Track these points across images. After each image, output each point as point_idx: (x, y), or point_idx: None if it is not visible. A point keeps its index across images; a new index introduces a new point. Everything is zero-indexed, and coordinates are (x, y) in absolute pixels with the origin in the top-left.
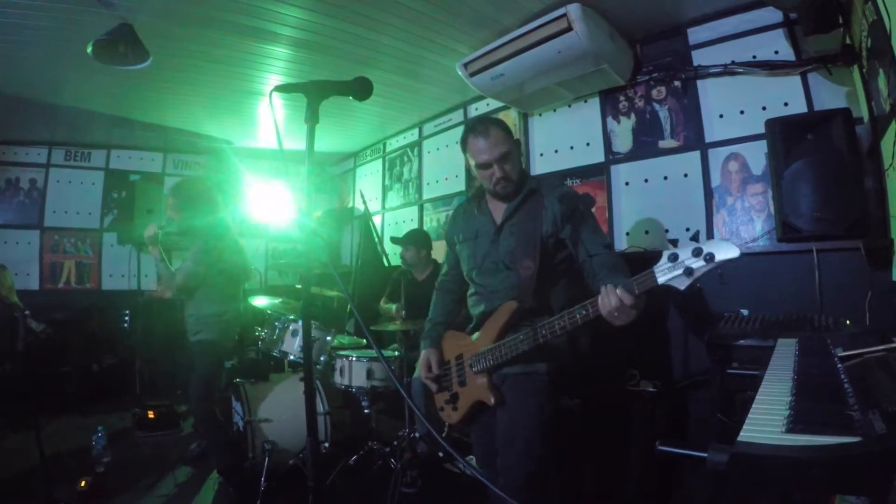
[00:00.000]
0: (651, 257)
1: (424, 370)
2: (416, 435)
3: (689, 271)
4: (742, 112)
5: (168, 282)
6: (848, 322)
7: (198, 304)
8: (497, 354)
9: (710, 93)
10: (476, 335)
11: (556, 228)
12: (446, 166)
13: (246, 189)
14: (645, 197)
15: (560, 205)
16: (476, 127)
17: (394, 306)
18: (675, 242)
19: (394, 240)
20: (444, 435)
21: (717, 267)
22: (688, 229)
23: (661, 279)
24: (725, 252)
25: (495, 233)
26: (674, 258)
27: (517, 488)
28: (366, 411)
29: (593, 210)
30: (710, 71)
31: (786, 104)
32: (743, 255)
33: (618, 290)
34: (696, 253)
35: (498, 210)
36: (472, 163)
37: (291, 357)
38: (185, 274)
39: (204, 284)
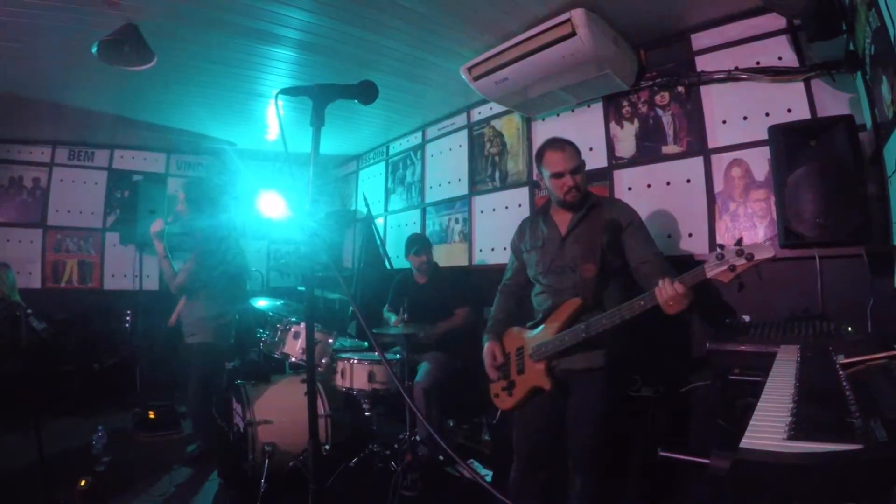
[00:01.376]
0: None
1: (489, 360)
2: (417, 438)
3: (732, 267)
4: (745, 118)
5: (170, 279)
6: (850, 329)
7: (198, 306)
8: (558, 343)
9: (714, 98)
10: (540, 328)
11: (614, 238)
12: (449, 170)
13: (248, 191)
14: (648, 202)
15: (618, 218)
16: (554, 143)
17: (393, 317)
18: (721, 246)
19: (419, 251)
20: (495, 421)
21: (756, 265)
22: (690, 235)
23: (709, 273)
24: (763, 252)
25: (561, 241)
26: (720, 257)
27: (583, 458)
28: (367, 414)
29: None
30: (714, 77)
31: (789, 110)
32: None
33: (674, 283)
34: (739, 253)
35: (563, 221)
36: (546, 173)
37: (293, 359)
38: (186, 274)
39: (206, 286)
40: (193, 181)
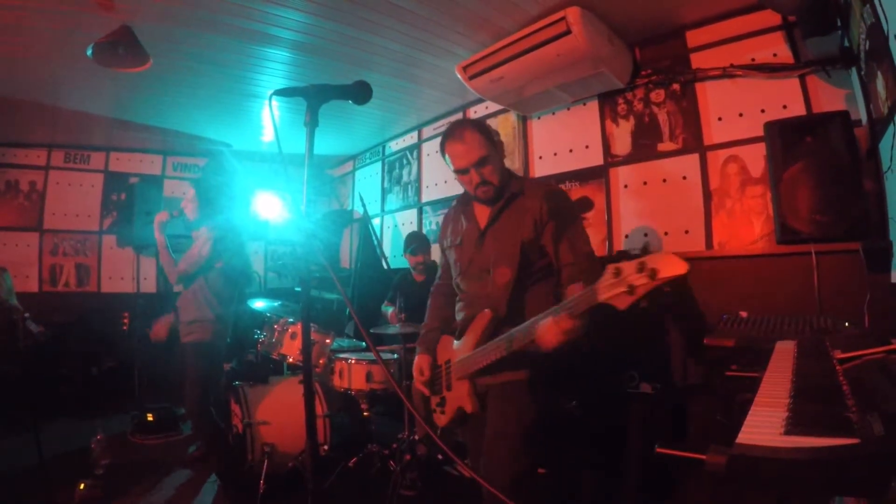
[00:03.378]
0: None
1: (417, 375)
2: (416, 437)
3: (631, 289)
4: (741, 115)
5: (170, 269)
6: (847, 324)
7: (198, 305)
8: (473, 362)
9: (709, 95)
10: (459, 341)
11: (538, 232)
12: (445, 169)
13: (245, 192)
14: (644, 199)
15: (543, 205)
16: (452, 132)
17: (390, 309)
18: (626, 254)
19: (415, 250)
20: (437, 436)
21: (663, 283)
22: (687, 232)
23: (601, 297)
24: (671, 268)
25: (479, 238)
26: (617, 273)
27: (501, 489)
28: (365, 414)
29: (591, 212)
30: (709, 74)
31: (784, 107)
32: (740, 257)
33: (553, 321)
34: (640, 268)
35: (483, 214)
36: (451, 169)
37: (290, 360)
38: (188, 261)
39: (203, 283)
40: (204, 181)
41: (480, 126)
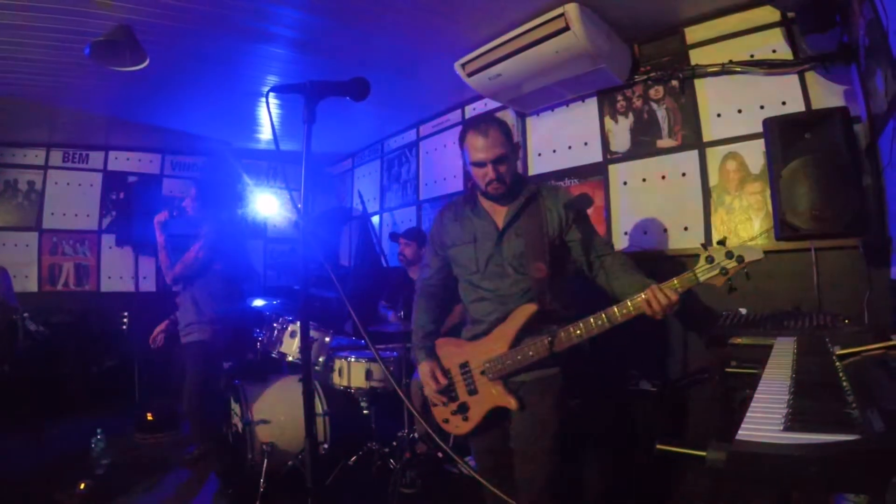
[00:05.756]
0: (654, 257)
1: (433, 384)
2: (416, 436)
3: (724, 271)
4: (740, 111)
5: (166, 270)
6: (846, 320)
7: (193, 305)
8: (517, 359)
9: (708, 92)
10: (484, 340)
11: (562, 232)
12: (444, 167)
13: (244, 190)
14: (643, 196)
15: (566, 209)
16: (477, 124)
17: (391, 313)
18: (705, 246)
19: (394, 236)
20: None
21: (745, 266)
22: (686, 229)
23: (702, 278)
24: (752, 254)
25: (498, 236)
26: (710, 260)
27: (541, 488)
28: (365, 412)
29: (591, 210)
30: (708, 70)
31: (783, 103)
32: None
33: (665, 291)
34: (729, 255)
35: (497, 212)
36: (468, 159)
37: (290, 358)
38: (184, 264)
39: (201, 284)
40: (206, 179)
41: (503, 126)
